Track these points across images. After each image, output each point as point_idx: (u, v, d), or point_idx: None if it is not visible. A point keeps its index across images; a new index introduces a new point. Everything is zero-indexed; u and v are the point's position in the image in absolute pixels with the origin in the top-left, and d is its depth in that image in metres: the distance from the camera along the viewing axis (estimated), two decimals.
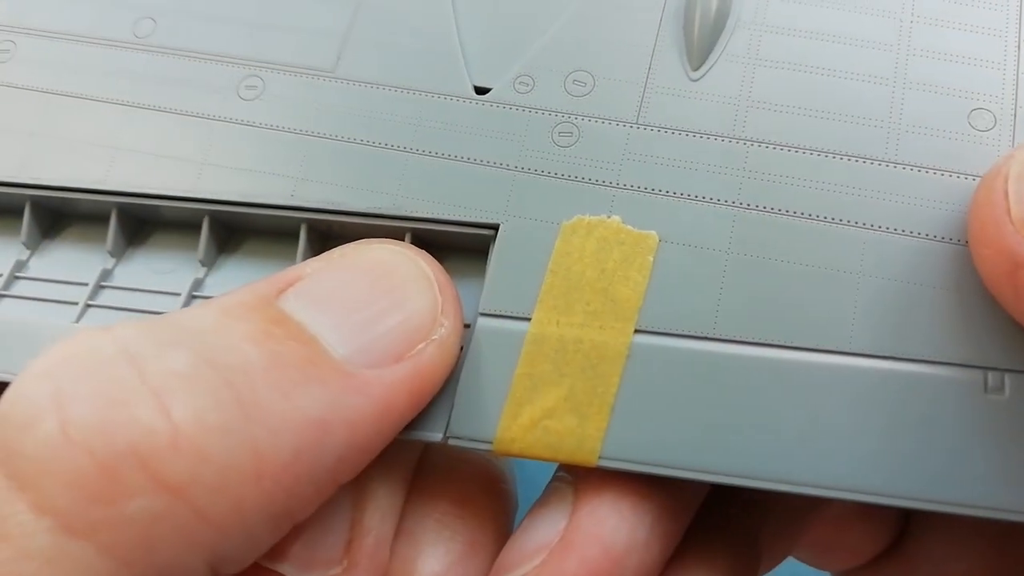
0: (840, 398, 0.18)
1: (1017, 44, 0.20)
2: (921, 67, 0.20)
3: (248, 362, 0.16)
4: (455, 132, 0.21)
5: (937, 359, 0.18)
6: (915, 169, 0.19)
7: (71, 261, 0.22)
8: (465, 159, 0.21)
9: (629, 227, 0.19)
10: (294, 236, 0.21)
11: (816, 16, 0.21)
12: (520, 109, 0.21)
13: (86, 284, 0.21)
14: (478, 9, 0.22)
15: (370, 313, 0.17)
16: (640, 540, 0.18)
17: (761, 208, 0.19)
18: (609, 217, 0.19)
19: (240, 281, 0.20)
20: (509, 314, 0.19)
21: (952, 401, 0.17)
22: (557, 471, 0.19)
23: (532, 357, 0.19)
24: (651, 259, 0.19)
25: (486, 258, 0.20)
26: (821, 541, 0.25)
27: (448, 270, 0.19)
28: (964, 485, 0.17)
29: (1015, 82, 0.19)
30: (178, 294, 0.21)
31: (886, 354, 0.18)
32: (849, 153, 0.19)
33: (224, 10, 0.23)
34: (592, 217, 0.19)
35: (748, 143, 0.20)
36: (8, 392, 0.15)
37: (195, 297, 0.21)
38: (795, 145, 0.20)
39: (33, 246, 0.22)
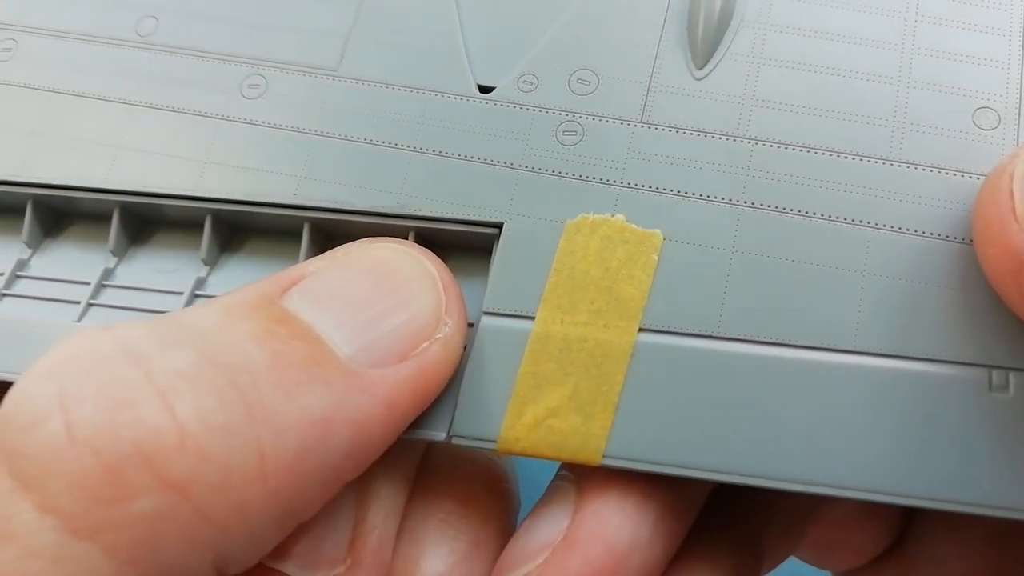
0: (845, 397, 0.18)
1: (1021, 43, 0.20)
2: (925, 66, 0.20)
3: (252, 361, 0.16)
4: (459, 131, 0.21)
5: (942, 358, 0.18)
6: (919, 168, 0.19)
7: (73, 260, 0.22)
8: (469, 158, 0.20)
9: (633, 226, 0.19)
10: (297, 235, 0.21)
11: (820, 15, 0.21)
12: (524, 108, 0.21)
13: (88, 283, 0.21)
14: (482, 7, 0.22)
15: (374, 312, 0.17)
16: (643, 539, 0.18)
17: (765, 207, 0.19)
18: (613, 216, 0.19)
19: (243, 280, 0.20)
20: (513, 313, 0.19)
21: (957, 400, 0.17)
22: (559, 470, 0.19)
23: (536, 356, 0.18)
24: (655, 258, 0.19)
25: (490, 257, 0.20)
26: (823, 541, 0.25)
27: (452, 269, 0.19)
28: (968, 483, 0.17)
29: (1019, 81, 0.19)
30: (180, 293, 0.21)
31: (891, 353, 0.18)
32: (853, 152, 0.19)
33: (227, 9, 0.23)
34: (596, 216, 0.19)
35: (752, 142, 0.20)
36: (12, 392, 0.15)
37: (198, 296, 0.21)
38: (799, 144, 0.20)
39: (35, 245, 0.22)
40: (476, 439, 0.18)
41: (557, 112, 0.21)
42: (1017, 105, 0.19)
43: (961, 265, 0.18)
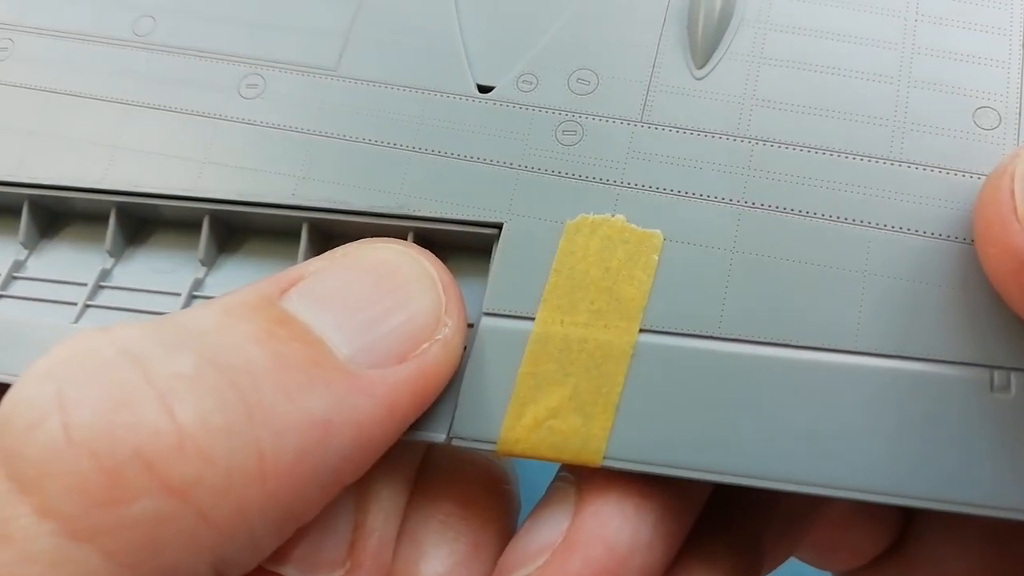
0: (846, 397, 0.18)
1: (1022, 42, 0.20)
2: (926, 65, 0.20)
3: (252, 363, 0.16)
4: (458, 131, 0.21)
5: (943, 358, 0.18)
6: (920, 168, 0.19)
7: (70, 261, 0.22)
8: (468, 158, 0.20)
9: (633, 226, 0.19)
10: (295, 236, 0.21)
11: (821, 14, 0.21)
12: (524, 108, 0.21)
13: (85, 284, 0.21)
14: (481, 7, 0.22)
15: (374, 313, 0.17)
16: (643, 541, 0.18)
17: (766, 207, 0.19)
18: (613, 216, 0.19)
19: (241, 281, 0.20)
20: (513, 313, 0.19)
21: (958, 400, 0.17)
22: (559, 471, 0.19)
23: (536, 357, 0.18)
24: (656, 258, 0.19)
25: (489, 257, 0.20)
26: (823, 541, 0.25)
27: (451, 269, 0.19)
28: (970, 484, 0.17)
29: (1020, 80, 0.19)
30: (178, 294, 0.21)
31: (892, 353, 0.18)
32: (854, 152, 0.19)
33: (225, 8, 0.23)
34: (596, 216, 0.19)
35: (753, 142, 0.20)
36: (10, 394, 0.15)
37: (195, 297, 0.21)
38: (800, 144, 0.19)
39: (31, 246, 0.22)
40: (476, 440, 0.18)
41: (557, 112, 0.21)
42: (1018, 104, 0.19)
43: (962, 265, 0.18)
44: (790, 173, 0.19)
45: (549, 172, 0.20)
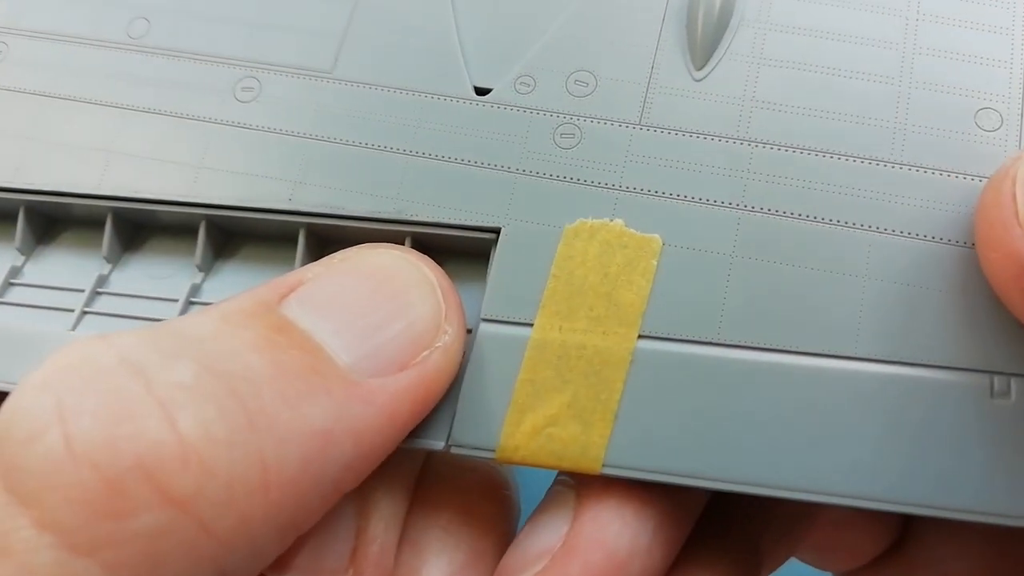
0: (845, 404, 0.17)
1: None
2: (927, 66, 0.20)
3: (252, 371, 0.15)
4: (455, 134, 0.21)
5: (943, 363, 0.17)
6: (921, 170, 0.19)
7: (66, 267, 0.22)
8: (465, 161, 0.20)
9: (632, 230, 0.19)
10: (292, 241, 0.21)
11: (821, 14, 0.20)
12: (521, 110, 0.21)
13: (82, 291, 0.21)
14: (478, 8, 0.22)
15: (373, 319, 0.17)
16: (643, 546, 0.18)
17: (766, 210, 0.19)
18: (612, 220, 0.19)
19: (238, 287, 0.20)
20: (511, 319, 0.19)
21: (958, 405, 0.17)
22: (558, 475, 0.19)
23: (534, 363, 0.18)
24: (655, 263, 0.19)
25: (487, 262, 0.20)
26: (822, 543, 0.25)
27: (449, 274, 0.19)
28: (970, 491, 0.17)
29: (1022, 81, 0.19)
30: (175, 300, 0.21)
31: (892, 359, 0.18)
32: (854, 154, 0.19)
33: (219, 10, 0.23)
34: (595, 220, 0.19)
35: (752, 144, 0.19)
36: (7, 404, 0.15)
37: (193, 303, 0.21)
38: (800, 146, 0.19)
39: (27, 252, 0.22)
40: (475, 448, 0.18)
41: (554, 114, 0.20)
42: (1020, 106, 0.19)
43: (963, 269, 0.18)
44: (790, 176, 0.19)
45: (547, 176, 0.20)
